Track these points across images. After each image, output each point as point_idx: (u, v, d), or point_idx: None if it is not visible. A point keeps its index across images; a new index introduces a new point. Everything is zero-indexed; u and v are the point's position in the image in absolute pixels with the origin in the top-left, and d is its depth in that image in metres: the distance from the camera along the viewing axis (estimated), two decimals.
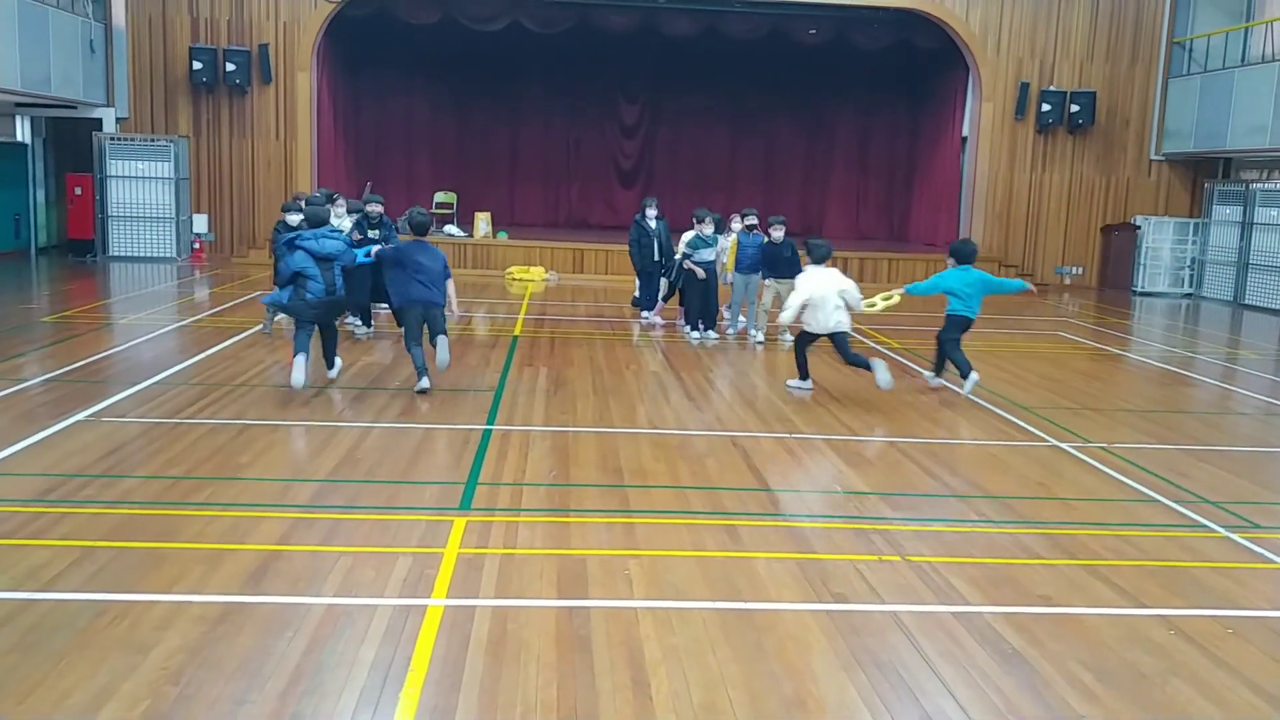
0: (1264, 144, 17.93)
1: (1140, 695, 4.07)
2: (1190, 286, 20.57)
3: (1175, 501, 6.65)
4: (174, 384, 8.90)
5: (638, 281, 14.27)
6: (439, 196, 21.29)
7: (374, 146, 23.15)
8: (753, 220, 12.84)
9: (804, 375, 9.66)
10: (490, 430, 7.72)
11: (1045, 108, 20.56)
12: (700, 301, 12.59)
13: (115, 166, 19.04)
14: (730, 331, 12.86)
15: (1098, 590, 5.13)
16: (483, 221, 20.04)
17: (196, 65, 19.06)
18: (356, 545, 5.32)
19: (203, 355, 10.25)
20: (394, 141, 23.32)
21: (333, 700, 3.78)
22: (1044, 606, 4.89)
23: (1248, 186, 19.43)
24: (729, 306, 13.15)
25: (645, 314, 13.79)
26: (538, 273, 18.74)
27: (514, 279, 18.51)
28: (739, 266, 12.56)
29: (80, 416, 7.59)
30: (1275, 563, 5.60)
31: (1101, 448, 7.95)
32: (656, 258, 13.29)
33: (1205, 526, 6.20)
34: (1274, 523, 6.30)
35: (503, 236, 20.09)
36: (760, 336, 12.39)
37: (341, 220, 11.68)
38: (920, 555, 5.46)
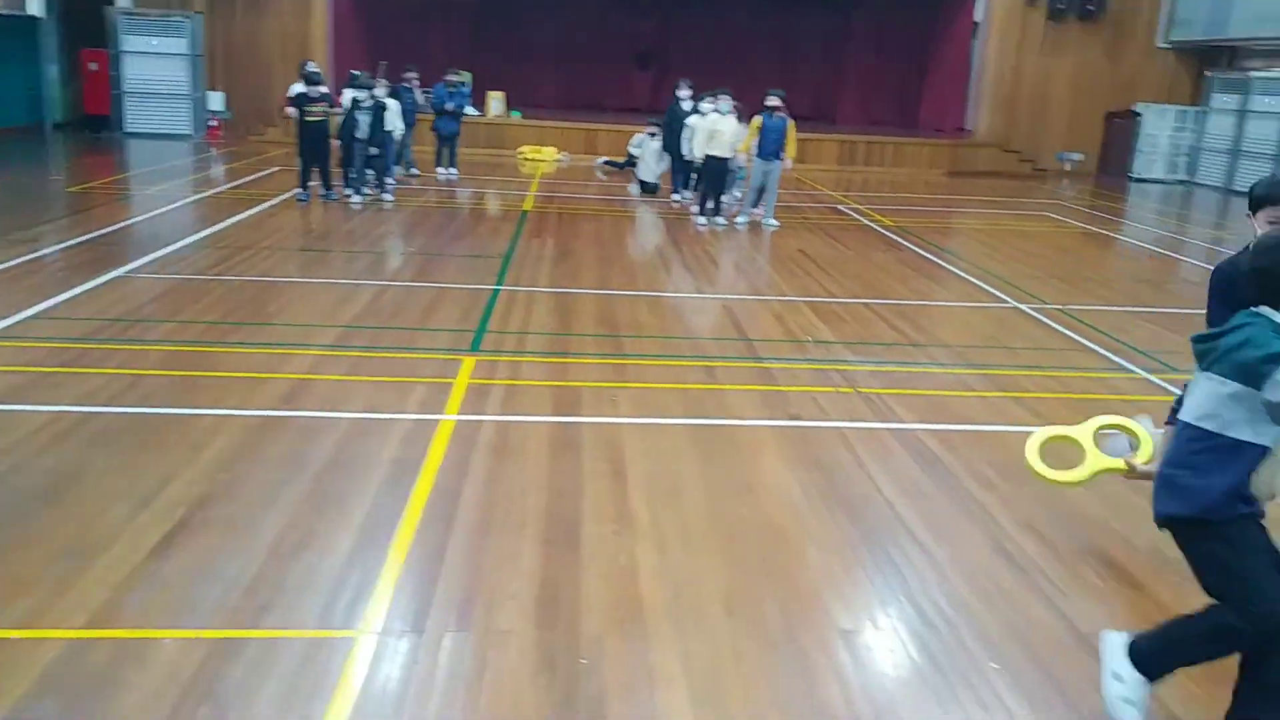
0: (1271, 32, 17.98)
1: (1032, 484, 4.68)
2: (1185, 174, 20.88)
3: (1109, 351, 7.39)
4: (201, 247, 9.56)
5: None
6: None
7: (389, 24, 23.18)
8: (776, 102, 12.01)
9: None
10: (499, 290, 8.41)
11: None
12: (712, 186, 12.45)
13: (129, 42, 19.20)
14: (740, 219, 12.44)
15: (1016, 413, 5.90)
16: (496, 101, 20.34)
17: None
18: (378, 376, 6.07)
19: (226, 224, 10.87)
20: (408, 19, 23.32)
21: (360, 481, 4.56)
22: (967, 424, 5.66)
23: (1248, 75, 19.54)
24: (743, 191, 12.79)
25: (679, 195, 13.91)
26: (549, 153, 19.12)
27: (526, 159, 18.92)
28: (761, 151, 12.00)
29: (118, 273, 8.26)
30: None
31: (1058, 309, 8.64)
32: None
33: (1127, 369, 6.95)
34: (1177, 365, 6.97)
35: (516, 116, 20.40)
36: (775, 224, 12.22)
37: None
38: (870, 388, 6.21)
